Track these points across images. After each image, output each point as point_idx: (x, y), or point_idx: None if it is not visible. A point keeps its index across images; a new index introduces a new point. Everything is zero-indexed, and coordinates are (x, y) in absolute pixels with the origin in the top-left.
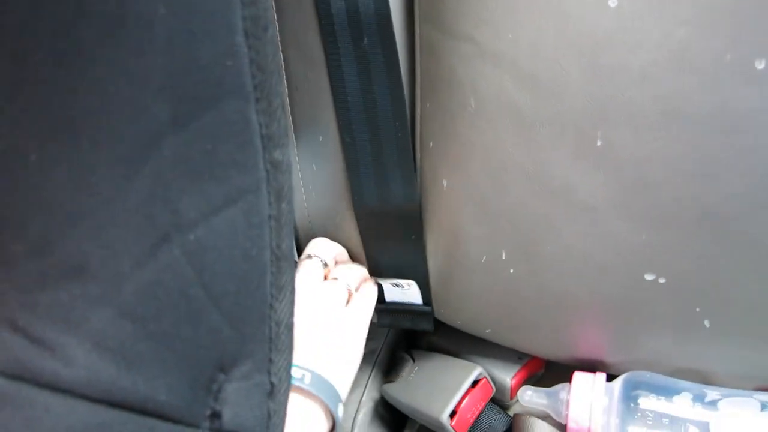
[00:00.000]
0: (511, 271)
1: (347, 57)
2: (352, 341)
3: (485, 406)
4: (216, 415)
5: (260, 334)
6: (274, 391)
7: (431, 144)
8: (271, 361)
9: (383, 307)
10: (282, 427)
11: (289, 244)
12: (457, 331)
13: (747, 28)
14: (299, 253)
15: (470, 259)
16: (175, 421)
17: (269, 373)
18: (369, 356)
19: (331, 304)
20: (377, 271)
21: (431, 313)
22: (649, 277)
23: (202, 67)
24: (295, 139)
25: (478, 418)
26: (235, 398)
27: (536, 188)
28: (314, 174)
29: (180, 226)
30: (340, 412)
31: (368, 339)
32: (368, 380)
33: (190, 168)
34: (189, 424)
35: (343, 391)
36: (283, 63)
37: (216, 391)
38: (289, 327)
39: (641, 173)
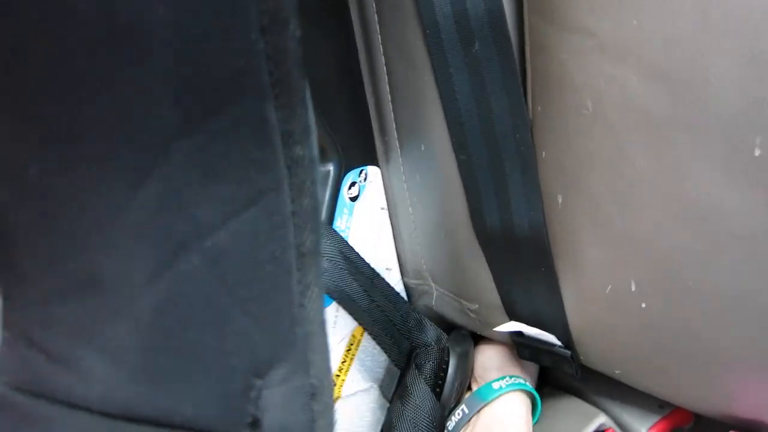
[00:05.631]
0: (643, 305)
1: (457, 67)
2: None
3: None
4: (256, 423)
5: (293, 335)
6: (317, 392)
7: (544, 154)
8: (308, 362)
9: (522, 341)
10: (330, 430)
11: (314, 239)
12: (586, 367)
13: None
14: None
15: (593, 288)
16: None
17: (308, 374)
18: None
19: None
20: (510, 310)
21: (572, 358)
22: None
23: (214, 68)
24: (399, 146)
25: None
26: (277, 403)
27: (674, 209)
28: (418, 184)
29: (198, 232)
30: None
31: None
32: None
33: (204, 172)
34: None
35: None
36: (384, 60)
37: (255, 397)
38: (322, 325)
39: None
